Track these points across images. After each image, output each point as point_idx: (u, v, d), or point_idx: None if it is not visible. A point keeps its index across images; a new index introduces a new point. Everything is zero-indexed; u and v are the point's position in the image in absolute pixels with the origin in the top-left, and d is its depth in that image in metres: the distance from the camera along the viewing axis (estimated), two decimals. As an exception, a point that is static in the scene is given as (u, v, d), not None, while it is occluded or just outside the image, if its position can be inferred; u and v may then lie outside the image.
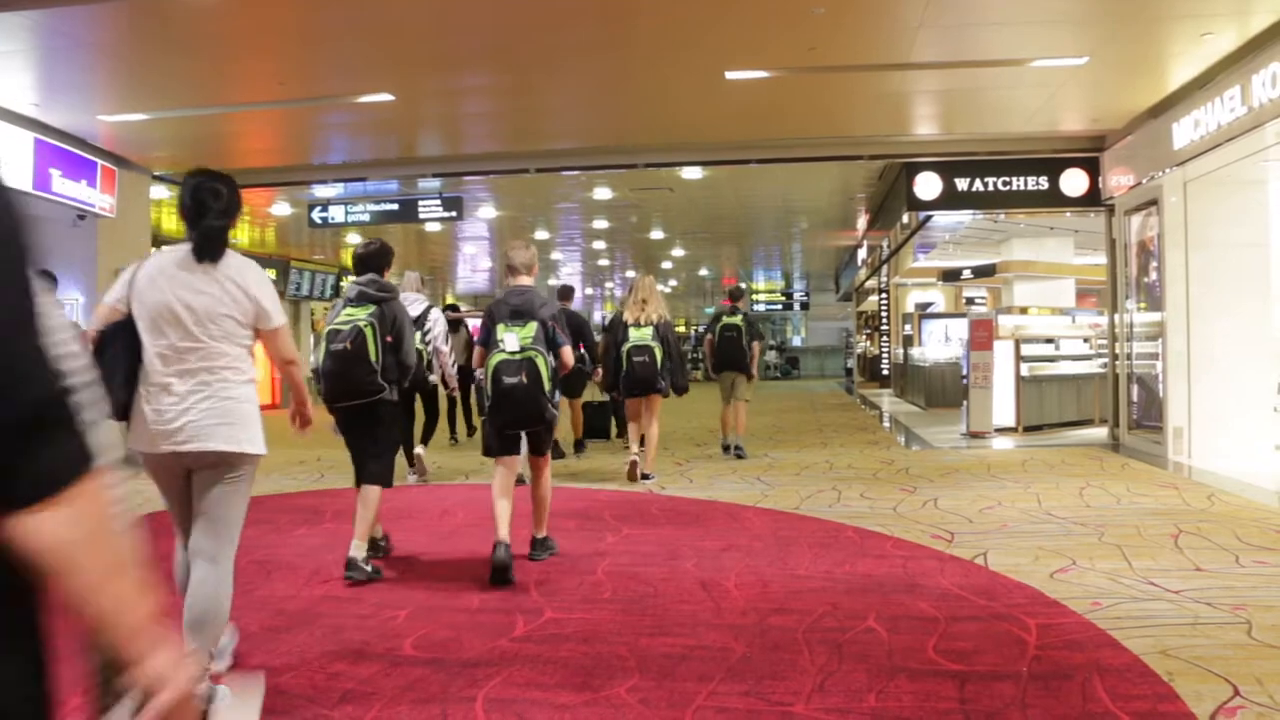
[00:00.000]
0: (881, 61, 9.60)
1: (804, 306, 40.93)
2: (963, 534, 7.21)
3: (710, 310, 47.04)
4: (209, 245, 3.93)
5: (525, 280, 6.44)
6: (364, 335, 5.99)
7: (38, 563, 1.18)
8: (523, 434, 6.47)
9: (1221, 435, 11.29)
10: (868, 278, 28.40)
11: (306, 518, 8.28)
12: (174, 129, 11.52)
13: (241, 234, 22.16)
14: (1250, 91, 9.02)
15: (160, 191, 14.41)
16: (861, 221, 21.39)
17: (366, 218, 16.08)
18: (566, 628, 4.98)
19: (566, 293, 13.19)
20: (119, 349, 3.87)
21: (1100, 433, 14.51)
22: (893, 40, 9.01)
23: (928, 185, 13.60)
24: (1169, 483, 9.53)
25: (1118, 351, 13.29)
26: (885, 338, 29.58)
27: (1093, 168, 13.35)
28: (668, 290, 40.39)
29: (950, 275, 26.06)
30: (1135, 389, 12.69)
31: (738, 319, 12.30)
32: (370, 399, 6.04)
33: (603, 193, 16.56)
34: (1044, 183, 13.49)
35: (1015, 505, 8.39)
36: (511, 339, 6.12)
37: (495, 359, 6.10)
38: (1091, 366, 16.04)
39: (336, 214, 16.10)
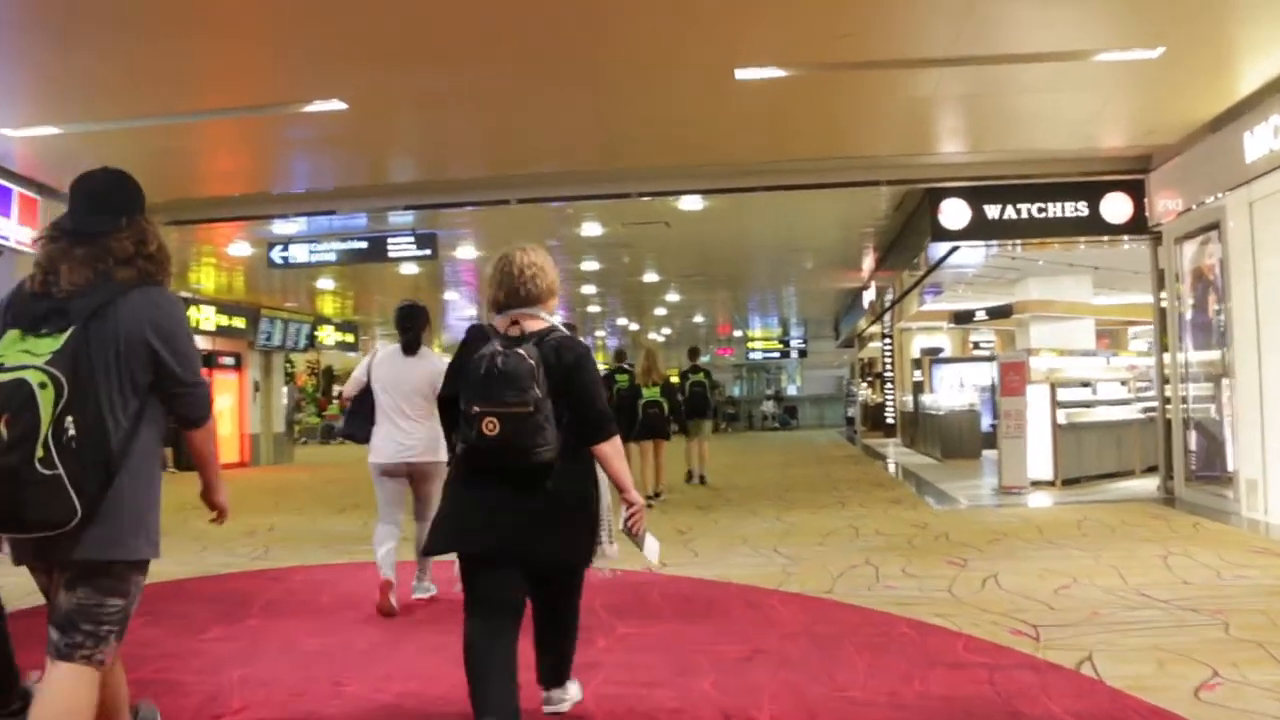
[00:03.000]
0: (921, 55, 8.19)
1: (802, 354, 39.49)
2: (1048, 627, 5.70)
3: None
4: None
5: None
6: None
7: None
8: None
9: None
10: (872, 322, 27.01)
11: (228, 611, 6.73)
12: (103, 147, 9.99)
13: (206, 279, 20.71)
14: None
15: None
16: (869, 261, 20.00)
17: (332, 257, 14.70)
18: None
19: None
20: None
21: (1147, 485, 13.04)
22: (936, 27, 7.60)
23: (954, 213, 12.20)
24: (1264, 547, 8.05)
25: (1169, 395, 11.83)
26: (890, 385, 28.15)
27: (1137, 191, 11.97)
28: (661, 339, 38.99)
29: (962, 317, 24.71)
30: (1194, 436, 11.22)
31: (701, 375, 15.43)
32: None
33: (593, 228, 15.14)
34: (1083, 208, 12.10)
35: (1095, 583, 6.89)
36: None
37: None
38: (1131, 412, 14.61)
39: (298, 254, 14.72)
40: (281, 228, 14.57)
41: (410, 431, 6.57)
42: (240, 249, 16.24)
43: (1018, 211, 12.16)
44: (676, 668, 5.05)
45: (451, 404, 3.84)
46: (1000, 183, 12.16)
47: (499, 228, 15.27)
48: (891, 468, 18.07)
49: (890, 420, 28.00)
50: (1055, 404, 13.02)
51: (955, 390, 21.95)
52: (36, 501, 2.84)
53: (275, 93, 8.87)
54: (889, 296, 22.02)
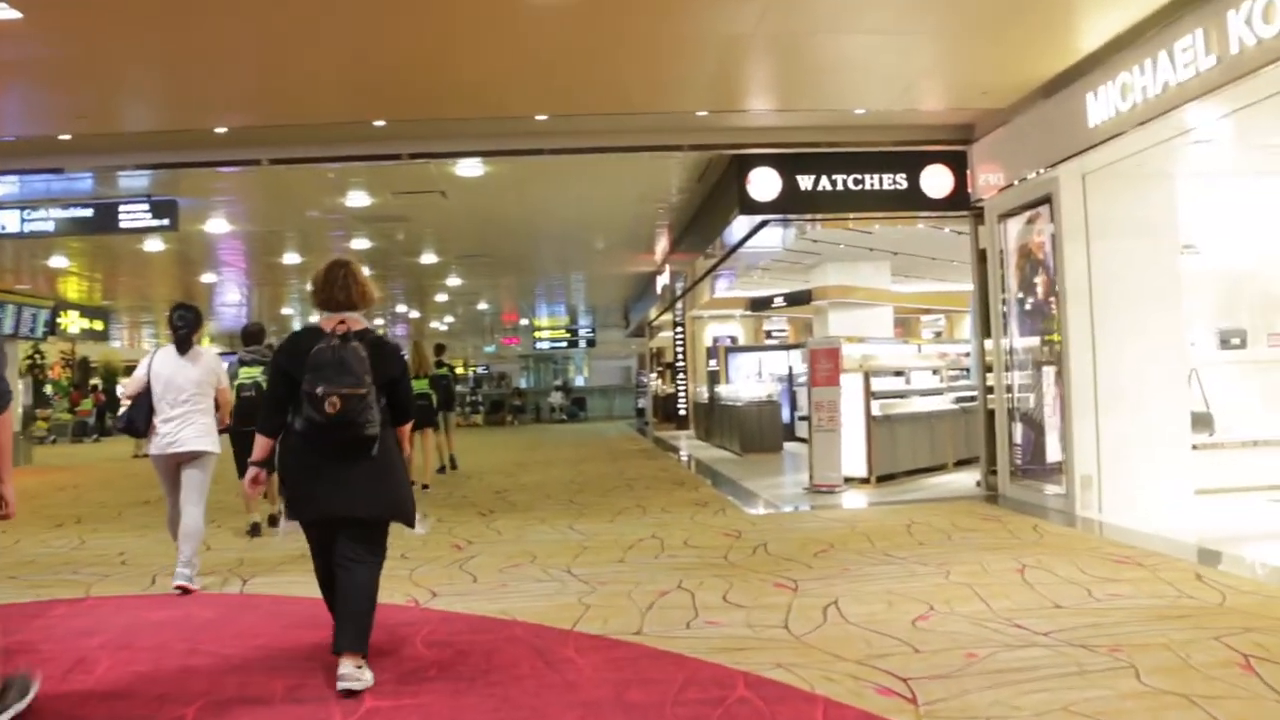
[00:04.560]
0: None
1: (590, 343, 38.22)
2: (921, 680, 4.45)
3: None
4: None
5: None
6: None
7: None
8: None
9: (1132, 482, 9.13)
10: (664, 310, 25.92)
11: None
12: None
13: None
14: (1225, 35, 6.72)
15: None
16: (663, 243, 18.78)
17: (50, 226, 12.43)
18: None
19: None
20: None
21: (964, 480, 12.23)
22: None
23: (764, 184, 11.02)
24: (1123, 555, 7.08)
25: (992, 383, 10.97)
26: (682, 375, 27.15)
27: (958, 164, 11.09)
28: (444, 327, 37.06)
29: (760, 304, 23.84)
30: (1020, 429, 10.35)
31: (445, 370, 15.50)
32: None
33: (360, 197, 13.33)
34: (902, 181, 11.11)
35: (956, 610, 5.71)
36: None
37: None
38: (944, 402, 13.82)
39: (8, 221, 12.38)
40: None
41: (185, 423, 7.04)
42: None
43: (833, 183, 11.07)
44: (436, 780, 3.54)
45: (288, 382, 4.69)
46: (814, 150, 11.04)
47: (250, 196, 13.31)
48: (689, 463, 16.89)
49: (683, 412, 27.00)
50: (869, 394, 12.02)
51: (753, 380, 21.00)
52: None
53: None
54: (681, 283, 20.86)
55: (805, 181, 11.04)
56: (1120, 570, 6.61)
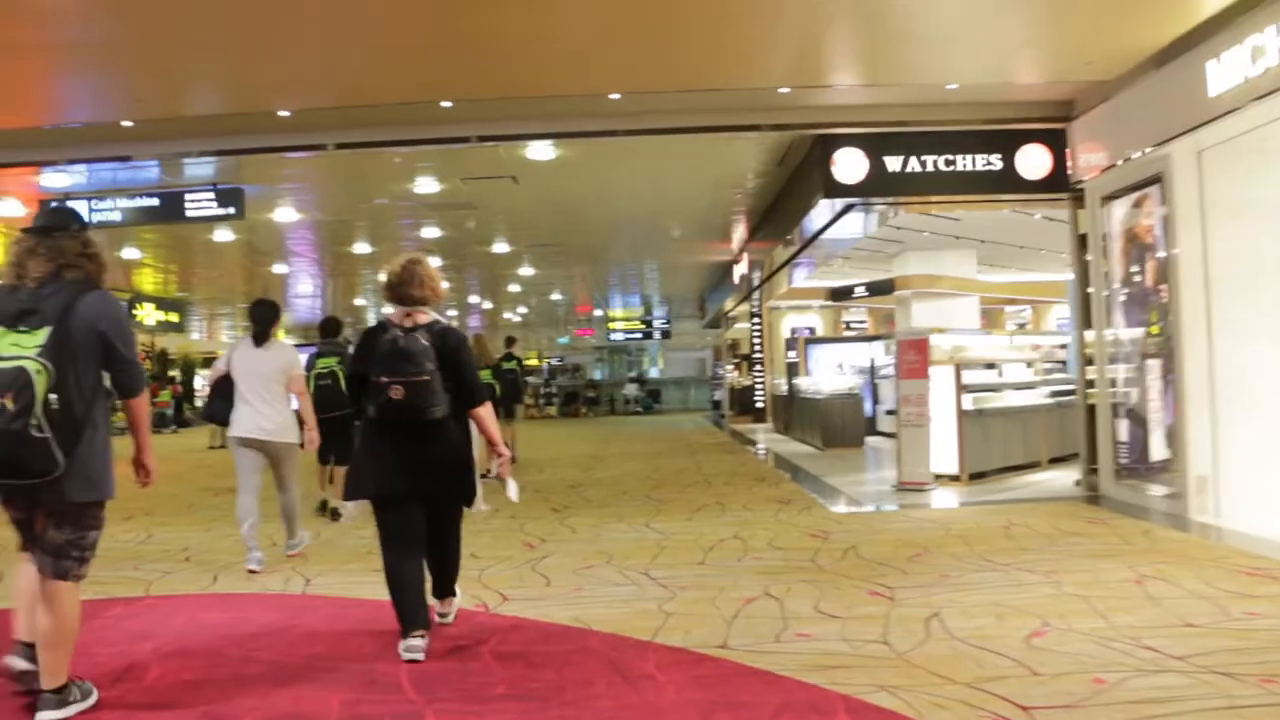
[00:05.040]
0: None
1: (665, 335, 37.70)
2: (1045, 711, 3.95)
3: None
4: None
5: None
6: None
7: None
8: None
9: (1254, 484, 8.42)
10: (740, 300, 25.38)
11: None
12: None
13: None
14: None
15: None
16: (741, 231, 18.25)
17: (117, 216, 12.29)
18: None
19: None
20: None
21: (1060, 479, 11.60)
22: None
23: (850, 165, 10.50)
24: (1253, 567, 6.47)
25: (1093, 377, 10.33)
26: (759, 367, 26.58)
27: (1057, 143, 10.45)
28: (517, 320, 36.86)
29: (841, 294, 23.21)
30: (1125, 425, 9.71)
31: (514, 363, 15.94)
32: None
33: (429, 184, 12.99)
34: (996, 162, 10.52)
35: (1072, 626, 5.17)
36: None
37: None
38: (1038, 396, 13.15)
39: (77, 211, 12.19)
40: (55, 181, 12.08)
41: (264, 413, 7.39)
42: (10, 207, 13.60)
43: (922, 164, 10.52)
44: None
45: (360, 380, 5.04)
46: (902, 130, 10.48)
47: (317, 183, 13.04)
48: (769, 457, 16.37)
49: (760, 404, 26.44)
50: (961, 388, 11.42)
51: (834, 373, 20.39)
52: (33, 456, 3.87)
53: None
54: (758, 273, 20.29)
55: (893, 163, 10.49)
56: (1254, 585, 6.00)
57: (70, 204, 12.15)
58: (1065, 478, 11.59)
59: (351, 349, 5.94)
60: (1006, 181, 10.52)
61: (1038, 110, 10.30)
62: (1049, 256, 21.42)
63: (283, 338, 8.15)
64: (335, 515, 9.66)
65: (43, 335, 3.93)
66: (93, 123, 10.05)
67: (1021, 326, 27.53)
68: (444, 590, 5.45)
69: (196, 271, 22.41)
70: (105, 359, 4.13)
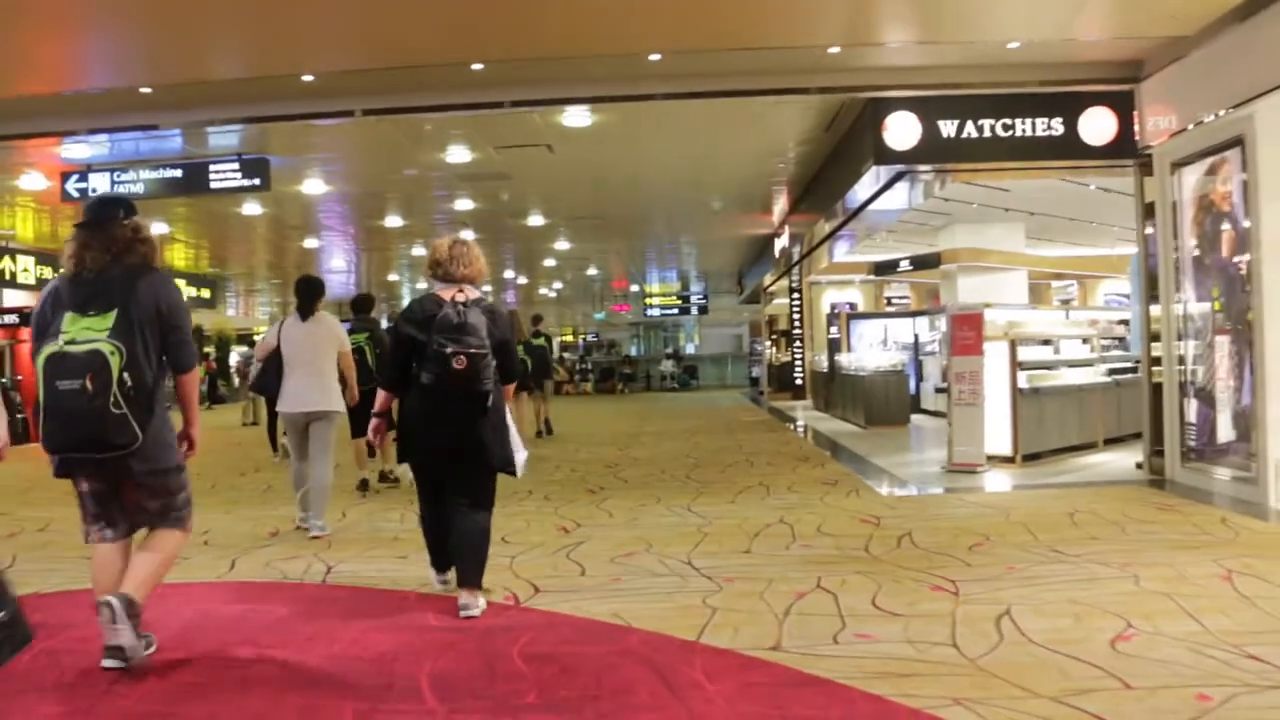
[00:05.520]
0: None
1: (702, 310, 37.17)
2: (1153, 735, 3.46)
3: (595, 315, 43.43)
4: None
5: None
6: None
7: None
8: None
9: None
10: (780, 275, 24.82)
11: None
12: None
13: (25, 227, 17.67)
14: None
15: None
16: (783, 202, 17.70)
17: (140, 188, 11.90)
18: None
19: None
20: None
21: (1119, 461, 11.08)
22: None
23: (903, 130, 9.95)
24: (1348, 562, 5.95)
25: (1160, 354, 9.76)
26: (798, 343, 26.04)
27: (1123, 106, 9.84)
28: (552, 295, 36.48)
29: (884, 268, 22.60)
30: (1194, 405, 9.16)
31: (541, 340, 16.33)
32: None
33: (461, 153, 12.54)
34: (1057, 126, 9.94)
35: (1160, 629, 4.68)
36: None
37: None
38: (1094, 374, 12.58)
39: (100, 184, 11.88)
40: (76, 151, 11.72)
41: (311, 384, 7.74)
42: (33, 181, 13.27)
43: (979, 129, 9.95)
44: None
45: (409, 345, 5.34)
46: (957, 92, 9.92)
47: (345, 152, 12.62)
48: (811, 436, 15.89)
49: (799, 381, 25.92)
50: (1016, 364, 10.88)
51: (879, 349, 19.85)
52: (115, 431, 4.17)
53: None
54: (799, 247, 19.68)
55: (948, 127, 9.94)
56: (1353, 579, 5.49)
57: (93, 175, 11.83)
58: (1124, 460, 11.07)
59: (385, 325, 6.55)
60: (1068, 147, 9.94)
61: (1103, 71, 9.69)
62: (1100, 230, 20.73)
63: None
64: (384, 478, 10.26)
65: (111, 318, 4.23)
66: (114, 88, 9.63)
67: (1066, 303, 26.83)
68: (469, 578, 5.33)
69: (228, 246, 22.10)
70: (162, 335, 4.40)
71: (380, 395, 5.78)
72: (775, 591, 5.60)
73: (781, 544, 6.99)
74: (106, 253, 4.39)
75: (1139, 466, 10.26)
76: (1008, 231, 19.40)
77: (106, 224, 4.45)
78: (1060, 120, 9.90)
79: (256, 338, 30.68)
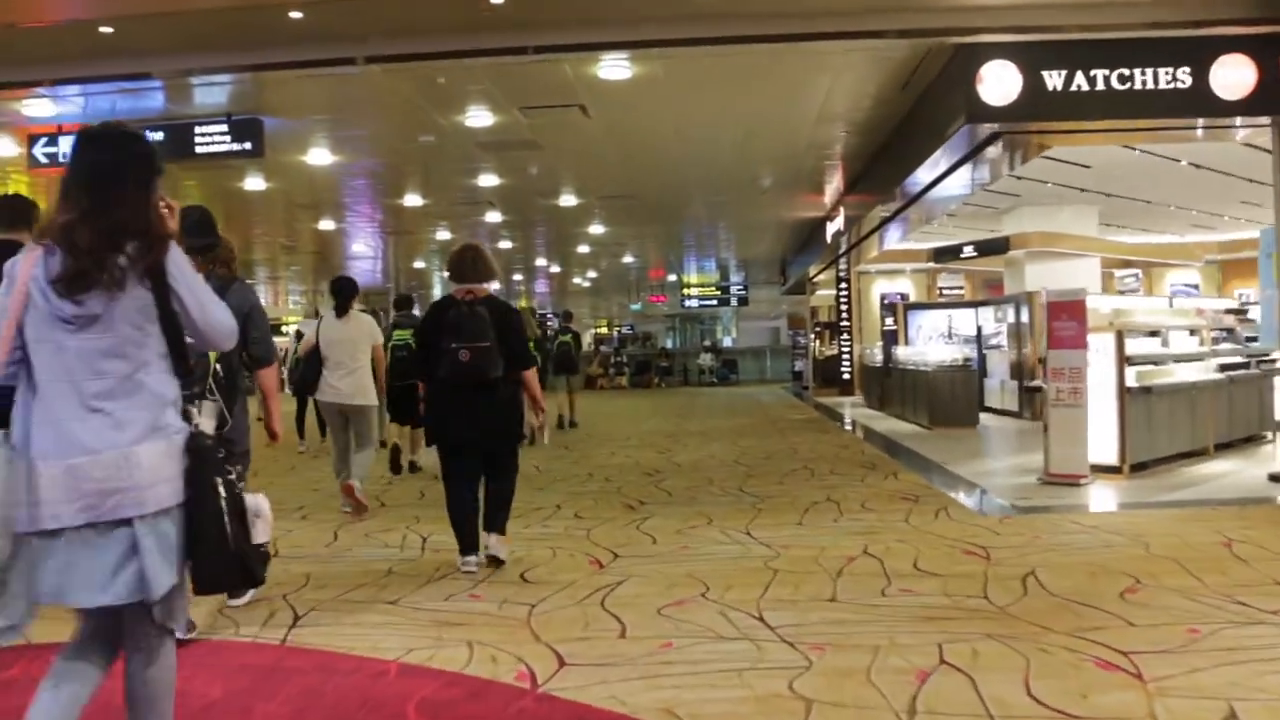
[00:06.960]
0: None
1: (742, 302, 35.51)
2: None
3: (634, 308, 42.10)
4: None
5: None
6: None
7: None
8: None
9: None
10: (828, 264, 23.22)
11: None
12: None
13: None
14: None
15: None
16: (837, 181, 16.12)
17: (119, 154, 10.45)
18: None
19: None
20: None
21: (1238, 470, 9.68)
22: None
23: (1000, 82, 8.42)
24: None
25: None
26: (846, 336, 24.46)
27: (1265, 52, 8.26)
28: (586, 285, 35.03)
29: (945, 254, 20.96)
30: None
31: (569, 336, 17.28)
32: None
33: (482, 115, 11.05)
34: (1184, 78, 8.37)
35: None
36: None
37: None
38: (1205, 370, 10.98)
39: (70, 148, 10.46)
40: (42, 109, 10.33)
41: (347, 379, 8.27)
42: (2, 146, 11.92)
43: (1090, 81, 8.39)
44: None
45: (428, 348, 6.06)
46: (1066, 37, 8.37)
47: (349, 113, 11.15)
48: (871, 438, 14.33)
49: (847, 376, 24.33)
50: (1124, 360, 9.32)
51: (938, 342, 18.24)
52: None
53: None
54: (849, 235, 18.02)
55: (1054, 79, 8.39)
56: None
57: (63, 139, 10.44)
58: (1246, 470, 9.62)
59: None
60: (1196, 102, 8.37)
61: (1240, 9, 8.14)
62: (1176, 215, 19.10)
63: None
64: (414, 468, 10.80)
65: None
66: (73, 20, 8.24)
67: (1124, 294, 25.10)
68: (494, 524, 6.19)
69: (233, 227, 20.68)
70: (244, 336, 4.74)
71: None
72: (887, 668, 4.11)
73: (875, 587, 5.49)
74: (205, 267, 4.96)
75: (1274, 479, 8.70)
76: (1078, 214, 17.80)
77: (210, 250, 5.13)
78: (1188, 70, 8.33)
79: (286, 328, 29.64)
